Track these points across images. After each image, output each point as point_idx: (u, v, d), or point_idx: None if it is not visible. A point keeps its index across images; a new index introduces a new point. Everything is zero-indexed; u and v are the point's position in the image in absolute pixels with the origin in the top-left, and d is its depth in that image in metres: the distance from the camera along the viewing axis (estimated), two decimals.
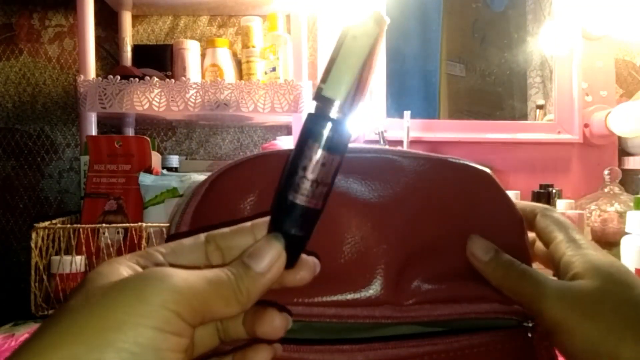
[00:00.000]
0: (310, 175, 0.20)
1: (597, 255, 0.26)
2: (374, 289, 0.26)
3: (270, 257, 0.21)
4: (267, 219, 0.22)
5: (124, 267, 0.20)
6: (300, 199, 0.20)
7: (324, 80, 0.20)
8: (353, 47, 0.19)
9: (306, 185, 0.20)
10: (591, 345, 0.23)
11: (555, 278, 0.26)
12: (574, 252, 0.26)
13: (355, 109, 0.20)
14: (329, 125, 0.20)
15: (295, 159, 0.20)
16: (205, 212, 0.27)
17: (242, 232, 0.22)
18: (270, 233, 0.22)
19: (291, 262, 0.22)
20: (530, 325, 0.27)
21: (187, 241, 0.22)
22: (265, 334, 0.22)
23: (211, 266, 0.22)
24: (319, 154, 0.20)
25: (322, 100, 0.20)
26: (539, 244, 0.30)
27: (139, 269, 0.20)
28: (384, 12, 0.20)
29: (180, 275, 0.19)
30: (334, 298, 0.26)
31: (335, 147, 0.20)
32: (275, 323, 0.22)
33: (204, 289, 0.19)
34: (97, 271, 0.19)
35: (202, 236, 0.22)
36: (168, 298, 0.18)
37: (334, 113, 0.20)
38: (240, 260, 0.21)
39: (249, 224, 0.23)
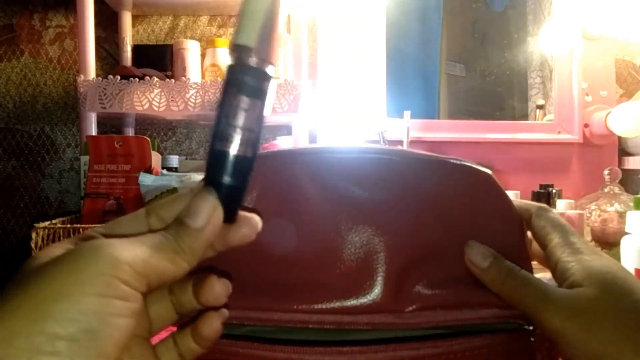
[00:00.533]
0: (234, 122, 0.20)
1: (594, 260, 0.25)
2: (373, 296, 0.26)
3: (205, 210, 0.20)
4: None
5: (59, 249, 0.19)
6: (228, 146, 0.21)
7: (235, 32, 0.21)
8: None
9: (231, 133, 0.20)
10: (592, 356, 0.23)
11: (554, 283, 0.26)
12: (570, 258, 0.26)
13: (267, 54, 0.21)
14: (245, 70, 0.20)
15: (219, 110, 0.21)
16: None
17: (183, 199, 0.22)
18: (202, 188, 0.21)
19: (230, 215, 0.21)
20: (531, 328, 0.27)
21: (127, 216, 0.22)
22: (208, 302, 0.22)
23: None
24: (239, 100, 0.20)
25: (236, 49, 0.20)
26: (535, 244, 0.30)
27: None
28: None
29: (115, 243, 0.18)
30: (334, 305, 0.26)
31: (254, 92, 0.21)
32: (216, 289, 0.22)
33: (143, 251, 0.19)
34: (32, 257, 0.19)
35: (142, 210, 0.22)
36: (104, 264, 0.17)
37: (247, 59, 0.20)
38: (176, 219, 0.21)
39: (188, 190, 0.22)
